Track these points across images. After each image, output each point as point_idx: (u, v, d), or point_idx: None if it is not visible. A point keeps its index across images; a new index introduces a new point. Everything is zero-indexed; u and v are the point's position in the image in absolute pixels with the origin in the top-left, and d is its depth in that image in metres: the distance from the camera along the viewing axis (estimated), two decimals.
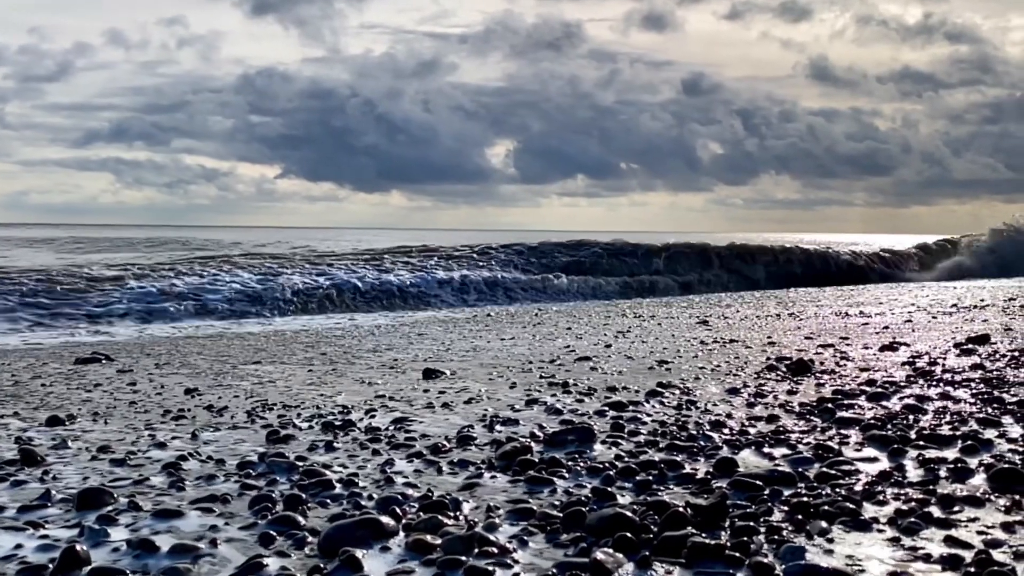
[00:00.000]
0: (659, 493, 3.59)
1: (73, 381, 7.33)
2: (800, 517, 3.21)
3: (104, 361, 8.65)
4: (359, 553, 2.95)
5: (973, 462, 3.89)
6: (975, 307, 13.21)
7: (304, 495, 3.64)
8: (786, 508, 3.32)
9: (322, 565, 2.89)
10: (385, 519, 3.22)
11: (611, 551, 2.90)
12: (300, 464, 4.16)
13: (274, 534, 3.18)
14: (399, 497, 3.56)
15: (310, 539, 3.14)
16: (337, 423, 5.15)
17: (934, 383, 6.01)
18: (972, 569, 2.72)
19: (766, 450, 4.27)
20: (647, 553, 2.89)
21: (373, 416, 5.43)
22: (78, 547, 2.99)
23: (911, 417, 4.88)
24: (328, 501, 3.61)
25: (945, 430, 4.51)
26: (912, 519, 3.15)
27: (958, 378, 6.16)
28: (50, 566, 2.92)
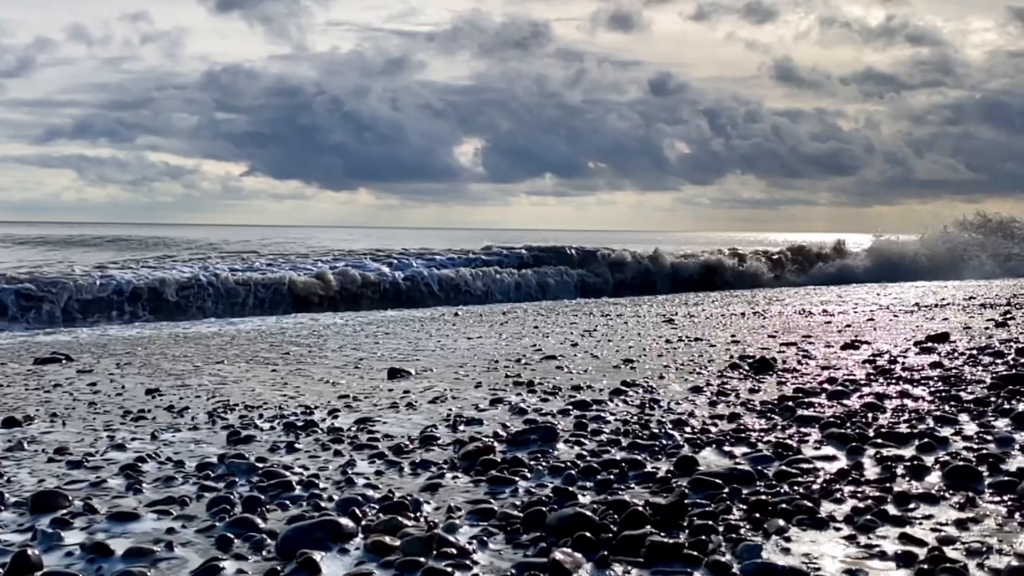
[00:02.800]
0: (620, 492, 3.60)
1: (32, 381, 7.22)
2: (758, 515, 3.23)
3: (64, 361, 8.52)
4: (317, 555, 2.93)
5: (929, 460, 3.94)
6: (936, 306, 13.40)
7: (263, 497, 3.61)
8: (745, 507, 3.35)
9: (279, 568, 2.87)
10: (344, 520, 3.20)
11: (570, 551, 2.91)
12: (260, 465, 4.13)
13: (232, 536, 3.15)
14: (359, 498, 3.54)
15: (268, 541, 3.11)
16: (299, 424, 5.11)
17: (893, 381, 6.08)
18: (925, 566, 2.76)
19: (727, 449, 4.31)
20: (606, 553, 2.90)
21: (336, 416, 5.39)
22: (30, 551, 2.94)
23: (870, 415, 4.94)
24: (288, 503, 3.58)
25: (903, 428, 4.57)
26: (868, 517, 3.19)
27: (917, 376, 6.25)
28: (0, 571, 2.87)
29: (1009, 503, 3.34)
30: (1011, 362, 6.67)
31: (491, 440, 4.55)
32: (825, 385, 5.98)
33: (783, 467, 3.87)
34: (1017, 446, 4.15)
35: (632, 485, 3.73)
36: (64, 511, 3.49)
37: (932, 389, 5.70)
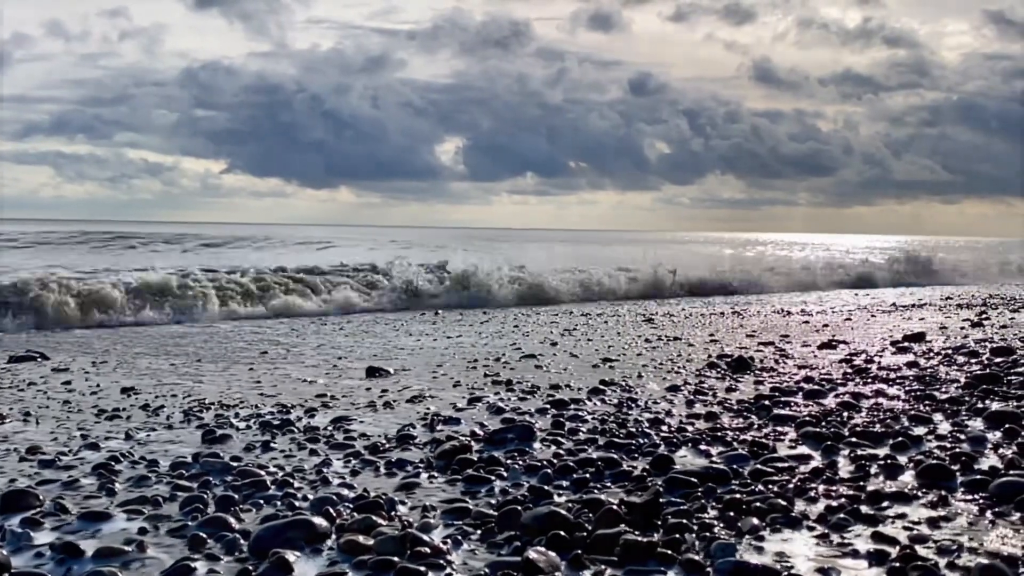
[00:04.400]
0: (595, 491, 3.60)
1: (5, 380, 7.13)
2: (733, 514, 3.24)
3: (39, 359, 8.44)
4: (290, 555, 2.91)
5: (903, 459, 3.96)
6: (913, 306, 13.50)
7: (237, 496, 3.59)
8: (719, 505, 3.35)
9: (251, 568, 2.85)
10: (317, 520, 3.18)
11: (544, 550, 2.90)
12: (235, 465, 4.10)
13: (204, 536, 3.12)
14: (334, 498, 3.52)
15: (241, 541, 3.09)
16: (275, 423, 5.08)
17: (869, 381, 6.12)
18: (896, 564, 2.77)
19: (703, 448, 4.31)
20: (580, 552, 2.90)
21: (313, 416, 5.37)
22: None
23: (845, 414, 4.97)
24: (262, 502, 3.55)
25: (878, 427, 4.59)
26: (841, 516, 3.20)
27: (893, 376, 6.29)
28: None
29: (981, 501, 3.36)
30: (985, 362, 6.73)
31: (468, 439, 4.54)
32: (802, 384, 6.00)
33: (758, 466, 3.88)
34: (990, 445, 4.18)
35: (608, 484, 3.73)
36: (35, 511, 3.45)
37: (907, 388, 5.73)
